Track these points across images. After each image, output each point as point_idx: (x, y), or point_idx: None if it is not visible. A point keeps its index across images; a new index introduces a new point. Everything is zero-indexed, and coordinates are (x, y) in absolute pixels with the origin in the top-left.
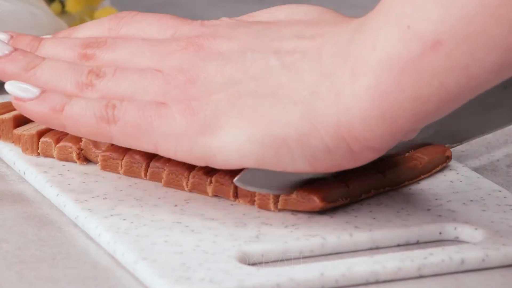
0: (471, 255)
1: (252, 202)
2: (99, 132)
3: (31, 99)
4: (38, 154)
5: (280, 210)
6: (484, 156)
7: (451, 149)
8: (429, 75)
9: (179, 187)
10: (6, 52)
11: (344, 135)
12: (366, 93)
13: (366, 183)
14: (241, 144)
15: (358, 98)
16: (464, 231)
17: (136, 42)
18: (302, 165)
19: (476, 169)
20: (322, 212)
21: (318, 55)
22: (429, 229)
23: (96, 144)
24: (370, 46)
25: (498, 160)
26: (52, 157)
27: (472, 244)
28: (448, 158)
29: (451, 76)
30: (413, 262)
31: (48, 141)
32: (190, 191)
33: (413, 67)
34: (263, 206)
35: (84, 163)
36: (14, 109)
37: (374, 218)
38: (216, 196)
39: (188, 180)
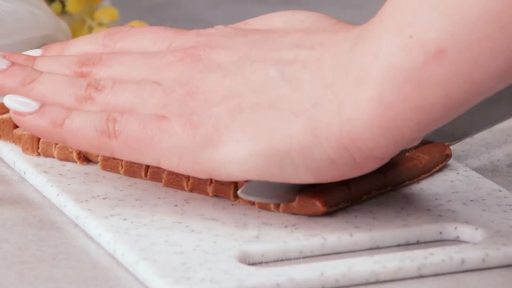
0: (471, 255)
1: (252, 203)
2: (101, 146)
3: (31, 113)
4: (38, 154)
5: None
6: (484, 156)
7: (451, 147)
8: (433, 83)
9: (179, 187)
10: (4, 67)
11: (347, 146)
12: (369, 104)
13: (367, 185)
14: (244, 158)
15: (361, 109)
16: (464, 231)
17: (132, 56)
18: (305, 176)
19: (476, 169)
20: None
21: (318, 66)
22: (429, 229)
23: None
24: (372, 55)
25: (498, 160)
26: (52, 157)
27: (472, 244)
28: (448, 156)
29: (455, 83)
30: (413, 262)
31: (48, 141)
32: (190, 191)
33: (417, 76)
34: (264, 207)
35: (84, 163)
36: None
37: (374, 218)
38: (216, 196)
39: (188, 180)
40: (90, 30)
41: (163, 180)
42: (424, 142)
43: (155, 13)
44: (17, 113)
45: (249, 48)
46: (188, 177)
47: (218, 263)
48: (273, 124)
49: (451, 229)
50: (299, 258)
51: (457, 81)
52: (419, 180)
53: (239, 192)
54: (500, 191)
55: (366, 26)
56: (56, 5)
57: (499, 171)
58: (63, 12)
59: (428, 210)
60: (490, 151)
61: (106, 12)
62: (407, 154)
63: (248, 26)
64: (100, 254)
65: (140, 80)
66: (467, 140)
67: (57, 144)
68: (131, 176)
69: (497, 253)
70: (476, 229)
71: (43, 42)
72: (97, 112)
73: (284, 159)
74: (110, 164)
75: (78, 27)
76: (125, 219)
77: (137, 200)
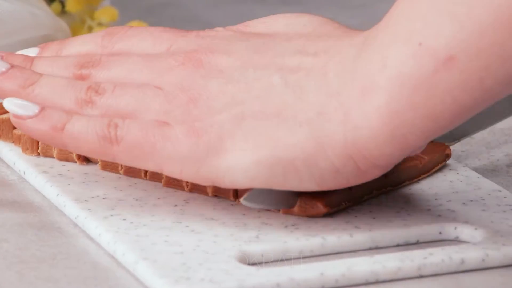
0: (471, 255)
1: None
2: (102, 152)
3: (30, 117)
4: (38, 154)
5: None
6: (484, 156)
7: (450, 147)
8: (442, 91)
9: (179, 187)
10: (3, 69)
11: (352, 154)
12: (376, 113)
13: (367, 185)
14: (247, 166)
15: (368, 118)
16: (464, 231)
17: (132, 59)
18: (309, 184)
19: (476, 169)
20: None
21: (323, 74)
22: (429, 229)
23: None
24: (380, 64)
25: (498, 160)
26: (52, 157)
27: (472, 244)
28: (448, 156)
29: (464, 91)
30: (413, 262)
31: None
32: (190, 191)
33: (426, 84)
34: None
35: (84, 163)
36: None
37: (374, 218)
38: (216, 196)
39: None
40: (90, 30)
41: (163, 180)
42: None
43: (155, 13)
44: (16, 116)
45: (251, 53)
46: None
47: (218, 263)
48: (277, 133)
49: (450, 229)
50: (299, 258)
51: (467, 88)
52: (419, 180)
53: (241, 200)
54: (500, 191)
55: (371, 32)
56: (56, 5)
57: (499, 171)
58: (63, 12)
59: (428, 210)
60: (490, 151)
61: (106, 12)
62: None
63: (248, 28)
64: (100, 254)
65: (141, 83)
66: (467, 140)
67: None
68: (131, 176)
69: (497, 253)
70: (476, 229)
71: (43, 42)
72: (98, 116)
73: (288, 167)
74: (110, 164)
75: (78, 27)
76: (124, 219)
77: (136, 200)
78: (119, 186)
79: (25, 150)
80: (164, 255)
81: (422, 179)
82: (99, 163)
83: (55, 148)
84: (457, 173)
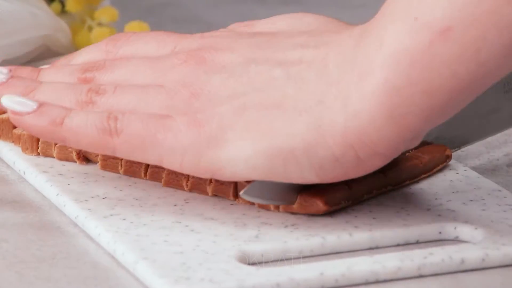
0: (471, 254)
1: (252, 202)
2: (101, 145)
3: (29, 113)
4: (38, 154)
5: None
6: (484, 156)
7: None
8: (439, 64)
9: (179, 187)
10: (3, 80)
11: (352, 141)
12: (375, 93)
13: (367, 184)
14: (248, 157)
15: (367, 100)
16: (464, 231)
17: (135, 61)
18: (309, 175)
19: (476, 169)
20: None
21: (323, 65)
22: (429, 229)
23: None
24: (377, 45)
25: (498, 160)
26: (52, 157)
27: (472, 243)
28: (448, 157)
29: (461, 63)
30: (413, 261)
31: (48, 141)
32: (190, 191)
33: (423, 58)
34: (264, 206)
35: (84, 163)
36: None
37: (374, 218)
38: (216, 195)
39: (188, 179)
40: (90, 30)
41: (162, 180)
42: (424, 143)
43: (155, 13)
44: (15, 113)
45: (254, 49)
46: (187, 177)
47: (217, 263)
48: (277, 123)
49: (450, 229)
50: (298, 258)
51: (463, 60)
52: (419, 180)
53: (241, 193)
54: (500, 190)
55: (369, 23)
56: (56, 5)
57: (498, 171)
58: (63, 12)
59: (428, 210)
60: (489, 151)
61: (106, 12)
62: (407, 154)
63: (252, 28)
64: (100, 254)
65: (144, 84)
66: None
67: (56, 144)
68: (131, 176)
69: (497, 253)
70: (476, 228)
71: (43, 42)
72: (97, 111)
73: (288, 157)
74: (110, 164)
75: (78, 27)
76: (124, 219)
77: (136, 200)
78: (119, 186)
79: (25, 149)
80: (164, 255)
81: (422, 179)
82: (99, 163)
83: (55, 147)
84: (457, 173)
